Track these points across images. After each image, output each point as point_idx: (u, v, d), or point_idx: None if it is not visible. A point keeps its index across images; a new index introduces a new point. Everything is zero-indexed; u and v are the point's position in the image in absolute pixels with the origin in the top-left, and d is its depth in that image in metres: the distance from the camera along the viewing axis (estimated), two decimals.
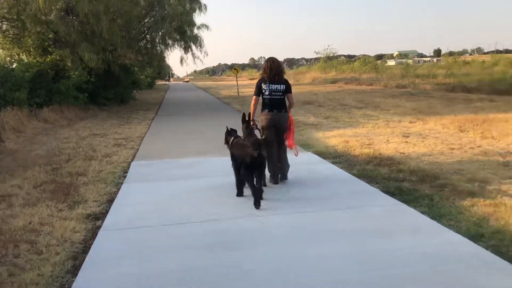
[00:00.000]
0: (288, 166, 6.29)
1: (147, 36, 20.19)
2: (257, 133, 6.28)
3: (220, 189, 5.90)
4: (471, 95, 21.45)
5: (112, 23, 15.71)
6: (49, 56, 15.00)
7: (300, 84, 42.01)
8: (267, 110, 6.00)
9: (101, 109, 18.21)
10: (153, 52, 20.18)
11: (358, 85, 33.77)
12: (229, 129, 6.10)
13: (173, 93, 36.22)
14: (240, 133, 6.18)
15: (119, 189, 6.19)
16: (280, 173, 6.20)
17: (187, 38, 19.54)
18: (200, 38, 20.43)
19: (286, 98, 6.06)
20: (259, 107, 6.15)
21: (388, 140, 9.41)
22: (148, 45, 20.40)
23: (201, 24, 21.14)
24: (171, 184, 6.35)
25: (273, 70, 5.92)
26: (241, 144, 5.65)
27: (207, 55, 21.44)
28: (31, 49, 14.88)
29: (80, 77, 14.63)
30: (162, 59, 22.29)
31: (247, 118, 6.30)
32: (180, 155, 8.49)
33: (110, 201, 5.68)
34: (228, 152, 6.03)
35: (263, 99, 6.00)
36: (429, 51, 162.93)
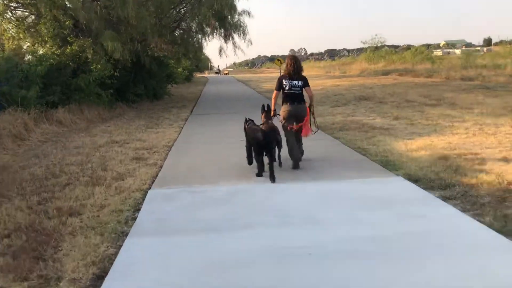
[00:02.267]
0: (303, 152, 7.00)
1: (182, 23, 17.97)
2: (275, 122, 6.81)
3: (278, 255, 3.50)
4: None
5: (141, 8, 13.55)
6: (69, 47, 13.04)
7: (348, 76, 39.01)
8: (288, 103, 6.74)
9: (130, 106, 16.18)
10: (189, 42, 17.94)
11: (415, 77, 30.45)
12: (247, 118, 6.91)
13: (212, 87, 34.09)
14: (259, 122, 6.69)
15: (118, 250, 3.91)
16: (298, 159, 6.71)
17: (228, 25, 17.13)
18: (244, 24, 17.98)
19: (304, 92, 6.80)
20: (279, 100, 6.85)
21: (505, 157, 6.71)
22: (183, 34, 18.23)
23: (242, 11, 18.72)
24: (196, 241, 3.99)
25: (294, 68, 6.75)
26: (252, 129, 6.48)
27: (251, 43, 18.91)
28: (47, 38, 12.96)
29: (103, 71, 12.54)
30: (199, 49, 20.11)
31: (265, 109, 6.86)
32: (215, 177, 6.15)
33: (99, 279, 3.42)
34: None
35: (284, 93, 6.76)
36: (478, 41, 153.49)
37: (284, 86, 6.73)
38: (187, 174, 6.43)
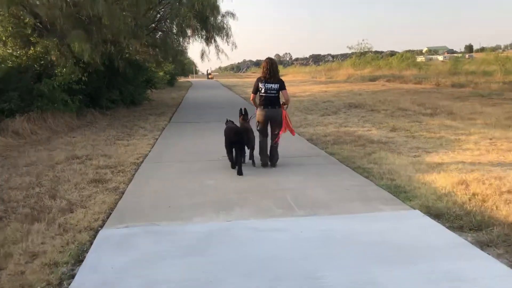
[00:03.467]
0: (277, 155, 6.96)
1: (161, 24, 16.68)
2: (252, 123, 7.06)
3: None
4: None
5: (113, 6, 12.28)
6: (32, 49, 11.70)
7: (335, 81, 38.06)
8: (262, 107, 6.76)
9: (104, 114, 14.82)
10: (168, 44, 16.64)
11: (403, 83, 29.59)
12: (227, 119, 7.42)
13: (195, 92, 32.76)
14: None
15: None
16: (270, 161, 6.94)
17: (210, 26, 15.85)
18: (227, 26, 16.71)
19: (280, 95, 6.76)
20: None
21: None
22: (162, 36, 16.96)
23: (226, 12, 17.49)
24: None
25: (269, 71, 6.63)
26: (228, 127, 7.04)
27: (235, 47, 17.61)
28: (4, 38, 11.56)
29: (69, 75, 11.20)
30: (179, 52, 18.81)
31: (243, 112, 7.26)
32: (188, 209, 4.94)
33: None
34: None
35: (260, 96, 6.74)
36: (459, 47, 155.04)
37: (260, 89, 6.72)
38: (153, 204, 5.20)
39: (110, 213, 4.95)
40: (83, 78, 11.79)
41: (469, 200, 5.00)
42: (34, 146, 9.23)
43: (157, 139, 10.23)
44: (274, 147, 6.90)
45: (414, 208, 4.80)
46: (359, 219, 4.54)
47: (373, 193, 5.43)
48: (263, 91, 6.70)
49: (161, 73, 29.47)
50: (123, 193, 5.74)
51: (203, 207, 5.03)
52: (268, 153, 6.92)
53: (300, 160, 7.39)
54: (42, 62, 11.93)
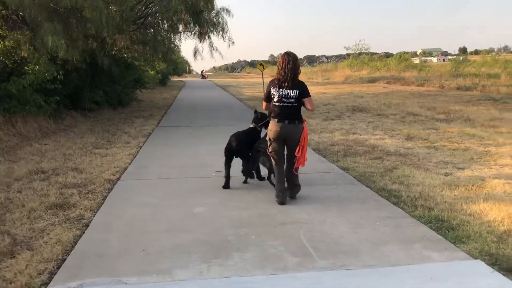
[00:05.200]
0: (298, 187, 5.21)
1: (149, 18, 15.30)
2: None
3: None
4: None
5: None
6: (1, 43, 10.36)
7: (332, 83, 36.88)
8: (276, 120, 4.92)
9: (86, 116, 13.46)
10: (158, 41, 15.27)
11: (405, 85, 28.42)
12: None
13: (188, 92, 31.39)
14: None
15: None
16: (289, 194, 5.11)
17: (204, 21, 14.50)
18: (223, 21, 15.32)
19: (301, 105, 4.94)
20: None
21: None
22: (151, 32, 15.60)
23: (221, 8, 16.15)
24: None
25: (285, 71, 4.81)
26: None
27: (233, 43, 16.08)
28: None
29: (43, 74, 9.86)
30: (170, 50, 17.47)
31: (259, 116, 5.79)
32: (168, 256, 3.65)
33: None
34: None
35: (273, 105, 4.96)
36: (453, 49, 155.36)
37: (272, 96, 4.96)
38: (123, 247, 3.90)
39: (64, 260, 3.66)
40: (58, 76, 10.42)
41: None
42: None
43: (141, 147, 8.92)
44: (292, 174, 5.14)
45: (474, 257, 3.55)
46: (404, 275, 3.28)
47: (411, 230, 4.17)
48: (276, 99, 4.91)
49: (152, 72, 28.05)
50: (87, 226, 4.44)
51: (189, 251, 3.74)
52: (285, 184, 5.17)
53: (310, 178, 6.09)
54: (14, 58, 10.57)
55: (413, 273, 3.31)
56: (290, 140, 4.96)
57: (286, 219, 4.54)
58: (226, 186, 5.64)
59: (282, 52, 5.10)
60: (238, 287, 3.10)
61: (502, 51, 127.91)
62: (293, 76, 4.85)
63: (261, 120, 5.77)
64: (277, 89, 4.90)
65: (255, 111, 6.11)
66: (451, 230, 4.15)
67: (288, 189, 5.14)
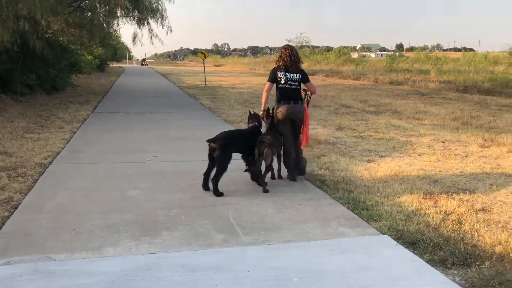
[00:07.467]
0: (305, 161, 5.94)
1: (88, 1, 14.88)
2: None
3: None
4: (491, 97, 17.60)
5: None
6: None
7: None
8: (282, 102, 5.67)
9: (17, 100, 12.93)
10: (95, 25, 14.89)
11: (342, 79, 29.50)
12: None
13: (126, 78, 30.72)
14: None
15: None
16: (296, 171, 5.74)
17: (143, 7, 14.33)
18: (162, 8, 15.19)
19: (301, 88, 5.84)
20: (271, 97, 5.76)
21: (505, 201, 5.03)
22: (88, 15, 15.18)
23: None
24: None
25: (290, 58, 5.68)
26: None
27: (171, 31, 16.07)
28: None
29: None
30: (108, 35, 17.09)
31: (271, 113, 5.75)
32: (100, 233, 3.77)
33: None
34: None
35: (278, 88, 5.73)
36: (391, 45, 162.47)
37: (279, 79, 5.68)
38: (54, 226, 3.96)
39: None
40: None
41: (443, 221, 4.25)
42: None
43: (75, 132, 8.79)
44: (300, 151, 5.86)
45: (383, 233, 3.96)
46: (319, 248, 3.62)
47: (331, 210, 4.54)
48: (283, 81, 5.65)
49: (89, 57, 27.18)
50: (16, 207, 4.43)
51: (120, 230, 3.88)
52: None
53: (240, 163, 6.35)
54: None
55: (327, 247, 3.66)
56: (296, 118, 5.70)
57: (217, 201, 4.77)
58: (205, 187, 5.12)
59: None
60: (165, 262, 3.29)
61: (435, 49, 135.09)
62: (295, 62, 5.69)
63: (257, 118, 5.75)
64: (284, 73, 5.66)
65: (250, 112, 5.93)
66: (365, 210, 4.56)
67: (296, 164, 5.73)
